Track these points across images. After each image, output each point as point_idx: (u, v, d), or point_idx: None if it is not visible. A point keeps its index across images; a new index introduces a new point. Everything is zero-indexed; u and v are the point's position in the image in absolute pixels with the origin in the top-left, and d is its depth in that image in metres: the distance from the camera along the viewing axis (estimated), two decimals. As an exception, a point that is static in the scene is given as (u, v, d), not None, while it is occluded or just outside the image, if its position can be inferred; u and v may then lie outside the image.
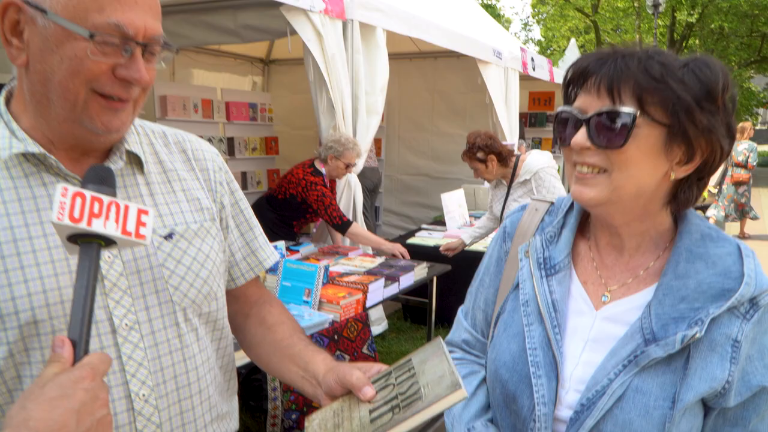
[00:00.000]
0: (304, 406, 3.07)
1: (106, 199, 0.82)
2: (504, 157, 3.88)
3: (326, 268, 3.21)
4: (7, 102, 1.03)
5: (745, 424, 0.98)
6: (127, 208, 0.84)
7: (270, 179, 7.13)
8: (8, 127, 0.99)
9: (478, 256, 4.79)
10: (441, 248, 4.40)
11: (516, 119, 6.84)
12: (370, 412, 0.94)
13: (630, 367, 0.98)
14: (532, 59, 7.45)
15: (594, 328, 1.06)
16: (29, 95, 0.98)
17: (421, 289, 3.94)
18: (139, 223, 0.85)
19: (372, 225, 7.13)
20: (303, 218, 4.42)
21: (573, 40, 20.38)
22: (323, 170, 4.28)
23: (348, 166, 4.26)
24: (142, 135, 1.15)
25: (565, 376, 1.05)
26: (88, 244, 0.81)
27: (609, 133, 0.95)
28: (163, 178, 1.13)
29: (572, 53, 18.48)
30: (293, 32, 3.97)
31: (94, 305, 0.85)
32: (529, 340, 1.08)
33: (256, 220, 1.35)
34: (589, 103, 0.99)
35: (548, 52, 30.85)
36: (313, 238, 4.80)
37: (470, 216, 5.79)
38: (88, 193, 0.81)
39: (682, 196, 1.02)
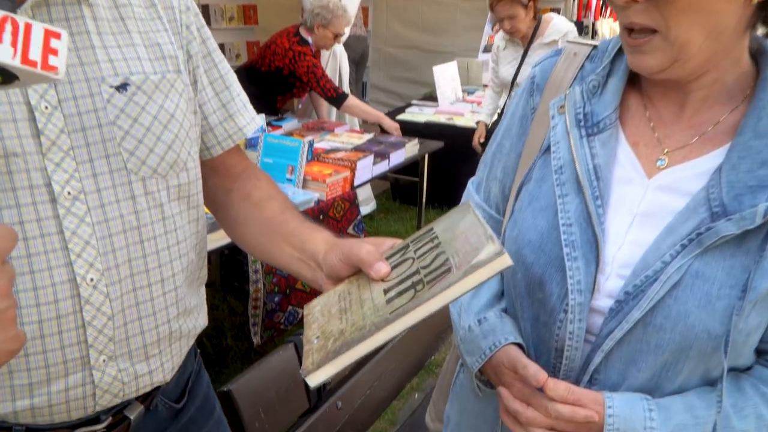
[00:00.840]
0: (287, 288, 2.96)
1: None
2: (537, 10, 3.48)
3: (311, 144, 2.97)
4: None
5: None
6: (28, 27, 0.61)
7: (250, 52, 6.68)
8: None
9: (471, 132, 4.62)
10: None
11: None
12: (385, 292, 0.76)
13: (691, 248, 0.78)
14: None
15: (645, 200, 0.85)
16: None
17: (411, 167, 3.73)
18: (48, 50, 0.63)
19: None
20: (289, 93, 4.08)
21: None
22: (309, 39, 3.89)
23: (336, 36, 3.87)
24: None
25: (607, 259, 0.85)
26: None
27: None
28: (114, 13, 0.91)
29: None
30: None
31: (28, 165, 0.77)
32: (563, 214, 0.87)
33: (235, 78, 1.10)
34: None
35: None
36: (297, 114, 4.50)
37: (463, 91, 5.46)
38: None
39: None
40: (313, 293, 3.18)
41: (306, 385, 1.76)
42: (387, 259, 0.81)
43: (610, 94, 0.89)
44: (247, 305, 2.90)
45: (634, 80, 0.91)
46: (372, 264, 0.79)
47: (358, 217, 3.41)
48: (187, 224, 1.00)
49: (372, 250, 0.81)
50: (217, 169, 1.11)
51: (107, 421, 0.95)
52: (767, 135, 0.78)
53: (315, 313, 0.82)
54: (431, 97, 5.45)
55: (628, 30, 0.79)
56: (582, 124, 0.90)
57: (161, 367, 0.99)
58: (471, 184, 1.09)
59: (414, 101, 5.44)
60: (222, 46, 6.51)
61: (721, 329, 0.76)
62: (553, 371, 0.89)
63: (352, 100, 3.86)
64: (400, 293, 0.74)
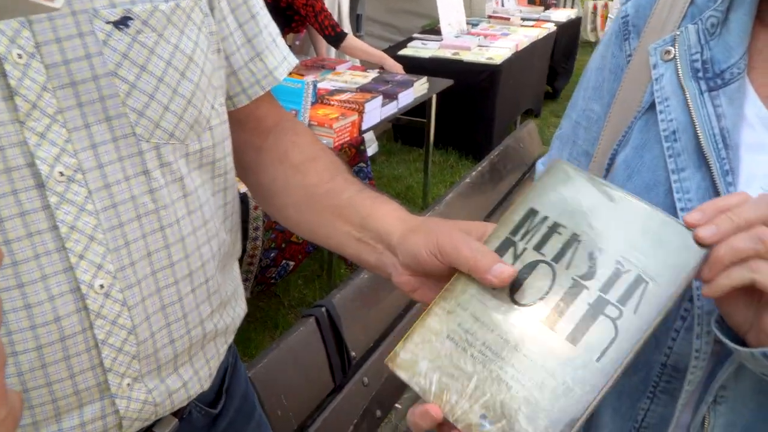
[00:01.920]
0: (283, 242, 2.78)
1: None
2: None
3: (314, 85, 2.71)
4: None
5: None
6: None
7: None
8: None
9: (479, 68, 4.35)
10: None
11: None
12: (547, 324, 0.55)
13: None
14: None
15: None
16: None
17: (415, 107, 3.47)
18: None
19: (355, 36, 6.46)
20: (287, 27, 3.75)
21: None
22: None
23: None
24: None
25: None
26: None
27: None
28: None
29: None
30: None
31: (2, 140, 0.59)
32: (681, 194, 0.66)
33: (262, 3, 0.85)
34: None
35: None
36: (295, 50, 4.18)
37: (467, 23, 5.14)
38: None
39: None
40: (306, 242, 3.02)
41: (330, 361, 1.61)
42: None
43: (736, 33, 0.67)
44: (241, 260, 2.73)
45: (762, 15, 0.69)
46: (487, 267, 0.56)
47: (366, 163, 3.20)
48: (212, 197, 0.79)
49: (479, 247, 0.58)
50: (243, 123, 0.87)
51: None
52: None
53: (429, 375, 0.56)
54: (432, 30, 5.12)
55: None
56: (701, 74, 0.68)
57: (197, 375, 0.79)
58: (540, 164, 0.88)
59: (416, 35, 5.12)
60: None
61: None
62: (654, 392, 0.70)
63: (352, 40, 3.55)
64: (584, 322, 0.54)
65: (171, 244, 0.72)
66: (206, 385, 0.82)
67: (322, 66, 3.54)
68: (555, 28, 5.37)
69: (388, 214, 0.72)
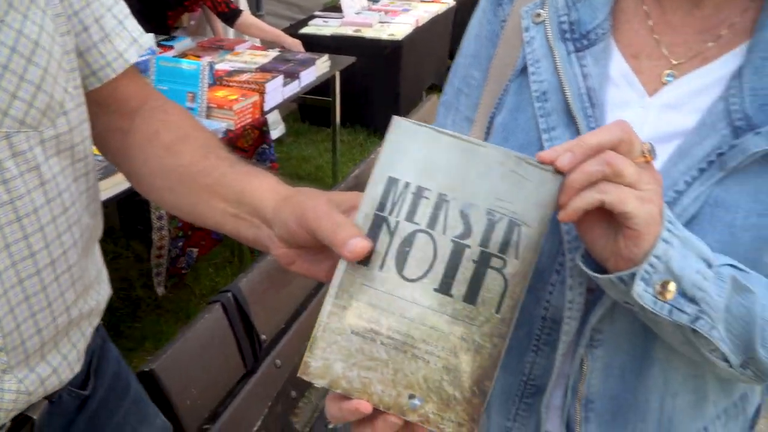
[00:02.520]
0: (189, 229, 2.70)
1: None
2: None
3: (211, 66, 2.63)
4: None
5: None
6: None
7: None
8: None
9: (381, 44, 4.35)
10: None
11: None
12: (441, 291, 0.56)
13: (711, 172, 0.63)
14: None
15: (648, 123, 0.69)
16: None
17: (320, 86, 3.44)
18: None
19: (253, 15, 6.28)
20: (180, 7, 3.59)
21: None
22: None
23: None
24: None
25: None
26: None
27: None
28: None
29: None
30: None
31: None
32: None
33: None
34: None
35: None
36: (190, 31, 4.02)
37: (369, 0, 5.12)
38: None
39: None
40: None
41: (240, 346, 1.58)
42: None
43: None
44: (149, 253, 2.63)
45: None
46: (344, 242, 0.55)
47: (269, 145, 3.14)
48: (73, 183, 0.77)
49: (340, 221, 0.57)
50: (104, 106, 0.84)
51: (5, 427, 0.77)
52: None
53: (348, 375, 0.57)
54: (334, 8, 5.07)
55: None
56: (568, 36, 0.71)
57: (65, 360, 0.79)
58: None
59: (317, 12, 5.05)
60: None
61: (746, 265, 0.63)
62: (537, 345, 0.73)
63: (247, 17, 3.45)
64: (475, 280, 0.55)
65: (30, 234, 0.70)
66: (77, 369, 0.82)
67: (220, 46, 3.43)
68: (454, 2, 5.44)
69: (261, 187, 0.70)
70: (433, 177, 0.57)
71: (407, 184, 0.57)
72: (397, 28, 4.40)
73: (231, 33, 3.98)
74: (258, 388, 1.49)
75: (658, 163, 0.65)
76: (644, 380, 0.70)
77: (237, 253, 3.14)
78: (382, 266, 0.57)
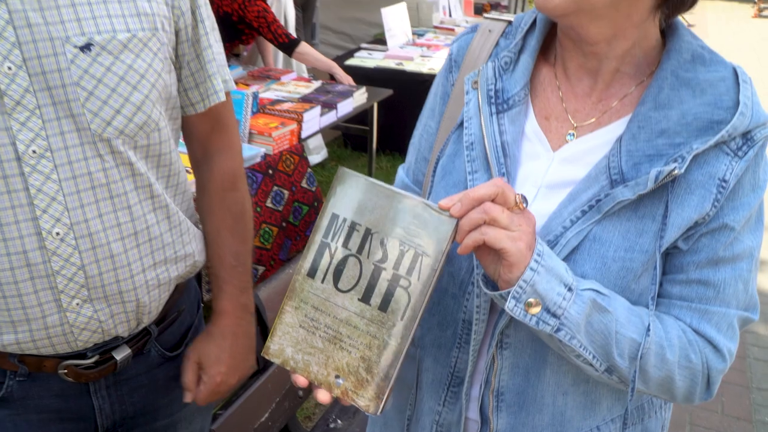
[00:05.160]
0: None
1: None
2: None
3: (255, 95, 2.89)
4: None
5: (692, 269, 0.82)
6: None
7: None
8: None
9: (421, 78, 4.57)
10: None
11: None
12: (363, 300, 0.77)
13: (591, 214, 0.81)
14: None
15: (550, 173, 0.87)
16: None
17: (361, 115, 3.68)
18: None
19: (308, 44, 6.60)
20: (237, 40, 3.90)
21: None
22: None
23: None
24: None
25: None
26: None
27: None
28: None
29: None
30: None
31: None
32: None
33: (218, 37, 1.11)
34: None
35: None
36: (243, 61, 4.35)
37: (414, 34, 5.36)
38: None
39: None
40: (277, 247, 3.16)
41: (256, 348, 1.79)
42: (312, 269, 0.79)
43: (521, 70, 0.89)
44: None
45: (548, 55, 0.91)
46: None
47: (309, 171, 3.37)
48: (160, 179, 1.04)
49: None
50: (190, 133, 1.15)
51: (94, 359, 1.03)
52: (666, 106, 0.79)
53: (295, 357, 0.79)
54: (381, 40, 5.33)
55: None
56: (493, 100, 0.90)
57: (138, 308, 1.04)
58: (401, 169, 1.09)
59: (363, 45, 5.33)
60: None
61: (616, 290, 0.80)
62: (460, 343, 0.91)
63: (304, 47, 3.72)
64: (387, 295, 0.75)
65: (118, 210, 0.97)
66: (146, 320, 1.07)
67: (268, 76, 3.71)
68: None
69: (218, 301, 1.17)
70: (364, 215, 0.77)
71: (344, 220, 0.78)
72: (437, 63, 4.61)
73: (280, 63, 4.28)
74: (268, 384, 1.69)
75: (553, 204, 0.84)
76: (541, 379, 0.86)
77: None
78: (323, 279, 0.79)
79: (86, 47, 0.89)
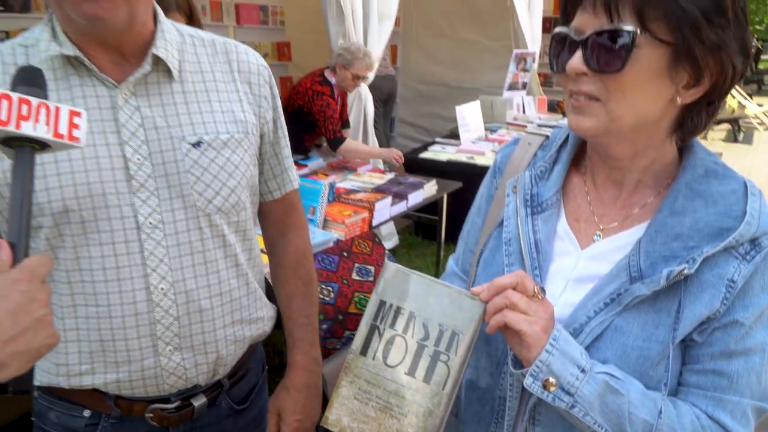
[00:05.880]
0: (337, 314, 3.05)
1: (34, 101, 0.80)
2: None
3: (332, 186, 3.13)
4: None
5: (707, 360, 0.90)
6: (57, 110, 0.82)
7: (284, 88, 6.92)
8: (53, 31, 1.07)
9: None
10: None
11: (539, 25, 6.48)
12: (409, 374, 0.90)
13: (612, 306, 0.91)
14: (560, -41, 6.95)
15: (577, 268, 0.98)
16: None
17: (432, 204, 3.85)
18: (72, 125, 0.83)
19: (386, 136, 6.97)
20: (314, 131, 4.27)
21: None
22: (333, 80, 4.10)
23: (356, 77, 4.08)
24: (189, 44, 1.19)
25: None
26: (22, 148, 0.81)
27: (606, 55, 0.85)
28: (201, 87, 1.17)
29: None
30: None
31: (120, 201, 1.06)
32: None
33: (287, 142, 1.36)
34: (586, 21, 0.87)
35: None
36: (323, 152, 4.68)
37: (486, 129, 5.59)
38: (15, 96, 0.79)
39: (690, 124, 0.92)
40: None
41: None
42: (364, 348, 0.93)
43: (554, 179, 1.03)
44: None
45: (579, 166, 1.05)
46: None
47: (387, 252, 3.54)
48: (242, 252, 1.24)
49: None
50: (266, 216, 1.37)
51: (176, 403, 1.20)
52: (680, 213, 0.90)
53: (351, 426, 0.91)
54: (456, 134, 5.58)
55: (576, 94, 0.91)
56: (529, 203, 1.03)
57: (217, 360, 1.22)
58: (451, 259, 1.23)
59: (438, 139, 5.59)
60: (255, 83, 6.76)
61: (635, 375, 0.88)
62: (497, 418, 1.01)
63: (348, 144, 4.10)
64: (430, 368, 0.88)
65: (210, 273, 1.17)
66: (222, 371, 1.25)
67: (346, 167, 3.98)
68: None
69: (292, 357, 1.31)
70: (407, 301, 0.91)
71: (391, 305, 0.93)
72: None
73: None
74: None
75: (579, 296, 0.95)
76: None
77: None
78: (374, 357, 0.92)
79: (197, 144, 1.13)
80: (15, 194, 0.79)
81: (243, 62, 1.23)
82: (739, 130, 11.39)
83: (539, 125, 5.84)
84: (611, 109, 0.87)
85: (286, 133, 1.34)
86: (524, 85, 6.33)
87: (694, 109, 0.91)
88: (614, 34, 0.83)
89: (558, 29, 0.92)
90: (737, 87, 13.07)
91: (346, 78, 4.06)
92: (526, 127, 5.72)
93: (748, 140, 11.28)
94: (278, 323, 1.39)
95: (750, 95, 13.84)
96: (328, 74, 4.10)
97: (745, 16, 0.86)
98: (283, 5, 6.99)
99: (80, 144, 0.84)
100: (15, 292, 0.73)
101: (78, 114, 0.84)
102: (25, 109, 0.79)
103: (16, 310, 0.73)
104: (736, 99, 12.05)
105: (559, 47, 0.91)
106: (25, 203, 0.79)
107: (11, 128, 0.78)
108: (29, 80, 0.84)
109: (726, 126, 11.71)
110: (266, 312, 1.33)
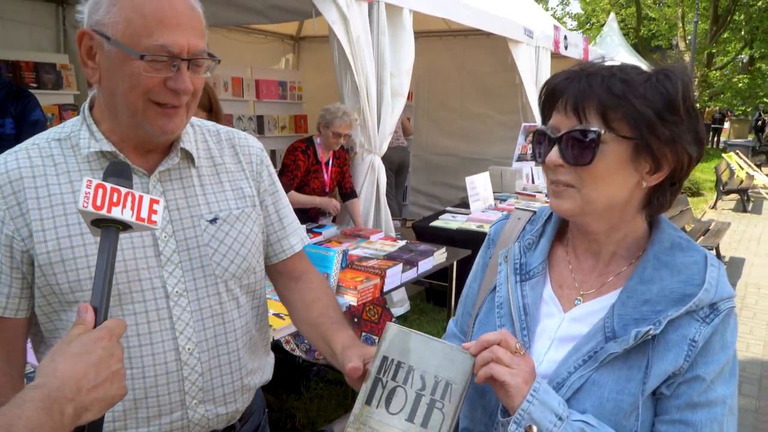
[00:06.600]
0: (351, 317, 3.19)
1: (123, 190, 0.97)
2: None
3: (344, 253, 3.26)
4: (91, 108, 1.25)
5: (674, 411, 1.00)
6: (141, 198, 0.99)
7: (299, 157, 7.18)
8: (90, 130, 1.22)
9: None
10: None
11: (546, 100, 6.73)
12: (408, 420, 1.00)
13: (590, 363, 1.03)
14: (566, 37, 7.30)
15: (561, 328, 1.11)
16: (104, 105, 1.21)
17: (442, 271, 3.96)
18: (151, 211, 1.00)
19: (398, 204, 7.16)
20: (303, 189, 4.55)
21: (612, 15, 19.85)
22: (318, 140, 4.48)
23: (336, 135, 4.39)
24: (198, 134, 1.36)
25: None
26: (108, 228, 0.96)
27: (578, 150, 1.01)
28: (213, 171, 1.34)
29: (610, 29, 18.02)
30: (318, 13, 3.98)
31: (151, 275, 1.21)
32: None
33: (291, 207, 1.50)
34: (561, 121, 1.04)
35: (587, 26, 30.03)
36: (336, 221, 4.86)
37: (495, 198, 5.76)
38: (108, 185, 0.96)
39: (656, 202, 1.07)
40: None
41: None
42: (369, 398, 1.04)
43: (540, 250, 1.17)
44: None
45: (562, 238, 1.18)
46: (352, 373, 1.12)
47: (394, 320, 3.64)
48: (251, 310, 1.39)
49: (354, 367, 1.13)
50: (282, 273, 1.51)
51: None
52: (649, 281, 1.03)
53: None
54: (467, 203, 5.74)
55: (555, 182, 1.06)
56: (518, 271, 1.17)
57: (235, 410, 1.37)
58: (451, 322, 1.36)
59: (448, 208, 5.75)
60: (273, 153, 7.03)
61: (610, 424, 0.99)
62: None
63: (355, 203, 4.62)
64: (427, 415, 0.99)
65: (227, 332, 1.32)
66: (237, 416, 1.38)
67: (359, 235, 4.13)
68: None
69: (338, 340, 1.28)
70: (407, 356, 1.03)
71: (392, 360, 1.05)
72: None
73: (371, 223, 4.73)
74: None
75: (562, 354, 1.06)
76: None
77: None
78: (377, 405, 1.04)
79: (213, 220, 1.29)
80: (100, 266, 0.93)
81: (244, 146, 1.41)
82: (747, 200, 11.51)
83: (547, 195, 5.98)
84: (585, 194, 1.02)
85: (287, 201, 1.49)
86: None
87: (659, 190, 1.05)
88: (584, 133, 1.00)
89: (539, 127, 1.09)
90: (746, 158, 13.26)
91: (328, 136, 4.41)
92: (535, 197, 5.89)
93: (757, 210, 11.40)
94: (283, 387, 1.51)
95: (759, 166, 14.03)
96: (315, 136, 4.51)
97: (695, 111, 1.01)
98: (302, 80, 7.36)
99: (157, 226, 1.00)
100: (98, 348, 0.87)
101: (157, 201, 1.00)
102: (115, 196, 0.96)
103: (99, 363, 0.86)
104: (744, 170, 12.22)
105: (539, 142, 1.07)
106: (108, 273, 0.93)
107: (104, 212, 0.94)
108: (119, 173, 1.01)
109: (735, 196, 11.83)
110: (268, 361, 1.48)
